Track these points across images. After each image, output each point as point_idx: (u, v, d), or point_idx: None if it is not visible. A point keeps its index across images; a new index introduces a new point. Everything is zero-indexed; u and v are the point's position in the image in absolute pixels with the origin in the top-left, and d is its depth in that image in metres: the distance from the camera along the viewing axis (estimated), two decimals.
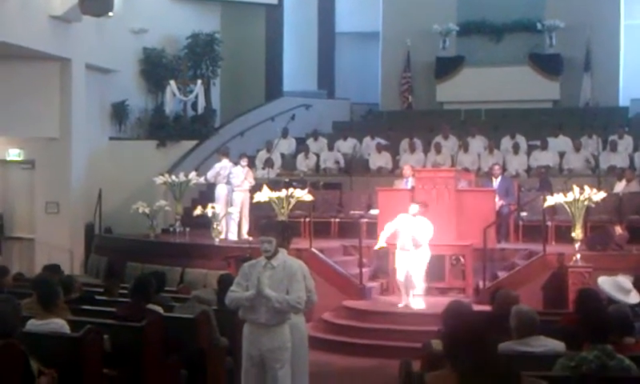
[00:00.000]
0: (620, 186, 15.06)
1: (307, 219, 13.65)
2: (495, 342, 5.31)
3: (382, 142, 18.62)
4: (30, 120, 16.16)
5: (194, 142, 18.60)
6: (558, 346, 5.91)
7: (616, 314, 6.06)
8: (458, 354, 4.11)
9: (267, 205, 12.73)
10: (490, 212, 13.10)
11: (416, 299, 11.37)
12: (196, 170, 15.72)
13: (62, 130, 16.57)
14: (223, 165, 14.97)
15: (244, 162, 14.90)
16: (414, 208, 11.38)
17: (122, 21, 18.03)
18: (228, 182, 14.79)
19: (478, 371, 3.48)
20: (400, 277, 11.43)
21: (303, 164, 18.30)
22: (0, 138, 17.07)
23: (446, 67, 21.64)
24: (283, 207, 12.41)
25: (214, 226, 13.80)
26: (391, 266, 12.19)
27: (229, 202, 14.67)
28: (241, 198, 14.62)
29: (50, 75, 16.42)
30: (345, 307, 11.76)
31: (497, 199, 13.88)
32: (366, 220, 14.35)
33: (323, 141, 19.27)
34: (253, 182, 14.84)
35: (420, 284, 11.48)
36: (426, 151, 18.02)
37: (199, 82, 19.28)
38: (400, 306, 11.48)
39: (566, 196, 11.22)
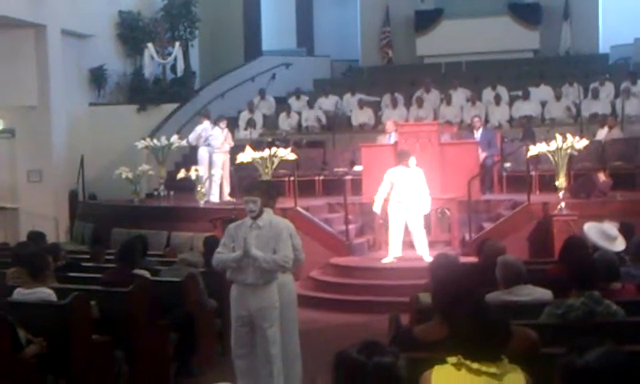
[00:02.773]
0: (602, 133, 15.10)
1: (291, 178, 13.61)
2: (483, 292, 5.35)
3: (367, 98, 18.56)
4: (7, 89, 15.99)
5: (175, 105, 18.48)
6: (544, 294, 5.95)
7: (602, 259, 6.09)
8: (449, 306, 4.13)
9: (250, 165, 12.69)
10: (473, 164, 13.11)
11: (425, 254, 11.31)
12: (178, 133, 15.61)
13: (41, 98, 16.41)
14: (205, 127, 14.87)
15: (223, 124, 14.79)
16: (414, 160, 11.36)
17: None
18: (208, 144, 14.69)
19: (469, 322, 3.48)
20: (395, 232, 11.41)
21: (285, 123, 18.22)
22: None
23: (426, 20, 21.49)
24: (267, 167, 12.36)
25: (198, 189, 13.76)
26: (377, 222, 12.19)
27: (211, 164, 14.61)
28: (221, 159, 14.55)
29: (25, 42, 16.22)
30: (332, 264, 11.79)
31: (479, 151, 13.89)
32: (350, 177, 14.33)
33: (305, 99, 19.17)
34: (232, 143, 14.78)
35: (424, 238, 11.40)
36: (407, 106, 17.97)
37: (177, 44, 19.07)
38: (384, 261, 11.48)
39: (548, 145, 11.22)
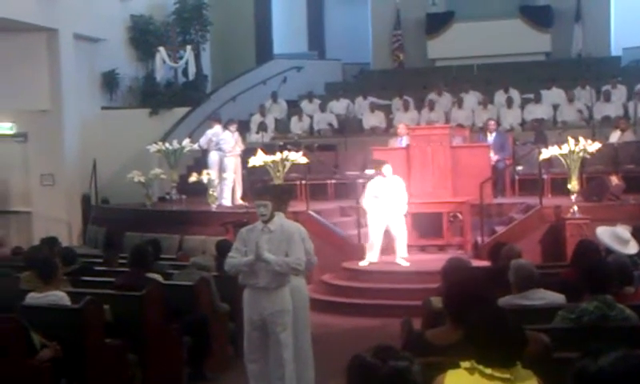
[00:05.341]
0: (615, 136, 15.04)
1: (303, 182, 13.64)
2: (496, 297, 5.34)
3: (379, 101, 18.56)
4: (19, 93, 16.04)
5: (187, 109, 18.49)
6: (557, 298, 5.93)
7: (615, 264, 6.08)
8: (460, 310, 4.13)
9: (262, 169, 12.71)
10: (485, 167, 13.09)
11: (402, 259, 11.41)
12: (189, 137, 15.66)
13: (53, 102, 16.46)
14: (215, 131, 14.91)
15: (233, 127, 14.83)
16: (389, 168, 11.40)
17: None
18: (219, 148, 14.73)
19: (484, 329, 3.48)
20: (375, 236, 11.43)
21: (297, 126, 18.24)
22: None
23: (437, 23, 21.48)
24: (278, 170, 12.40)
25: (210, 193, 13.79)
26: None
27: (222, 168, 14.64)
28: (232, 163, 14.58)
29: (38, 46, 16.26)
30: (344, 268, 11.78)
31: (492, 154, 13.85)
32: (362, 180, 14.30)
33: (317, 102, 19.18)
34: (243, 147, 14.82)
35: (405, 244, 11.50)
36: (419, 109, 17.96)
37: (189, 47, 19.09)
38: (361, 264, 11.49)
39: (561, 148, 11.19)
